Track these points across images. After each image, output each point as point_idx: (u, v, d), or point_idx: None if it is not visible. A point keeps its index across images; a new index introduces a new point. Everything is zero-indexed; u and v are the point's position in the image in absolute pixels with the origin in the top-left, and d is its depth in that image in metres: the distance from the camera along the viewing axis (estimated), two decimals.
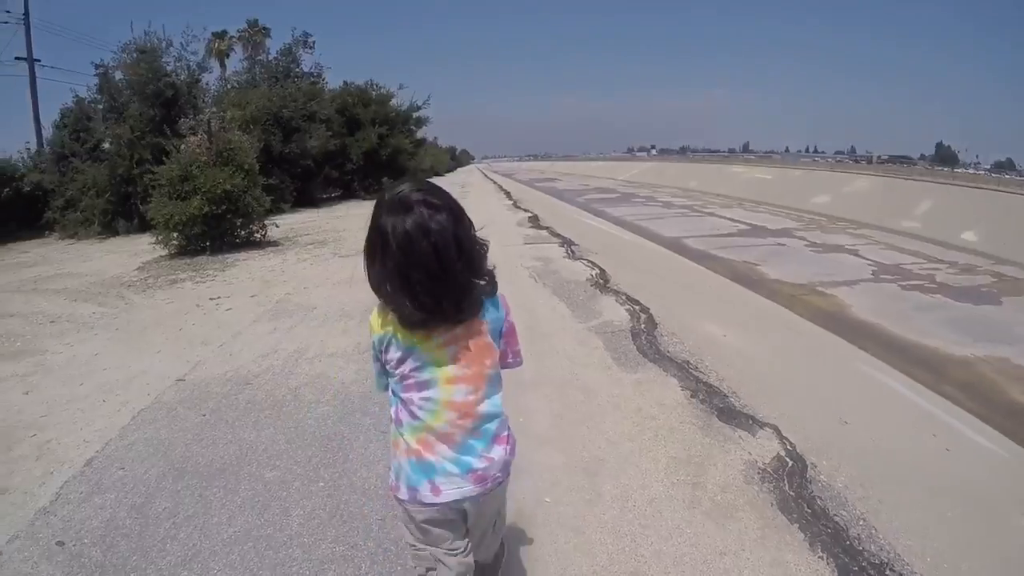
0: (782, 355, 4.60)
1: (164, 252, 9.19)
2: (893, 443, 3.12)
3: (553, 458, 2.89)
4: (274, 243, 10.21)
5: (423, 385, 1.42)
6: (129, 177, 12.79)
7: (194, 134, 9.74)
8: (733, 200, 18.91)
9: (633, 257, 8.70)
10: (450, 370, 1.42)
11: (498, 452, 1.50)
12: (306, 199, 17.62)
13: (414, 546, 1.56)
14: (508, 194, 20.79)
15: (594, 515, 2.43)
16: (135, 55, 13.69)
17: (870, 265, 8.99)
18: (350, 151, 19.33)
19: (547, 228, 10.83)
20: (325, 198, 19.78)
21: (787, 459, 2.78)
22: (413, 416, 1.44)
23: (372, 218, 1.39)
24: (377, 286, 1.41)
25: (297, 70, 20.47)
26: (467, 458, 1.44)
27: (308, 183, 17.65)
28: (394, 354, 1.44)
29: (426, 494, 1.43)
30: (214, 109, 10.81)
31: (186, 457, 2.99)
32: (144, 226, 11.44)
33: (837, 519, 2.37)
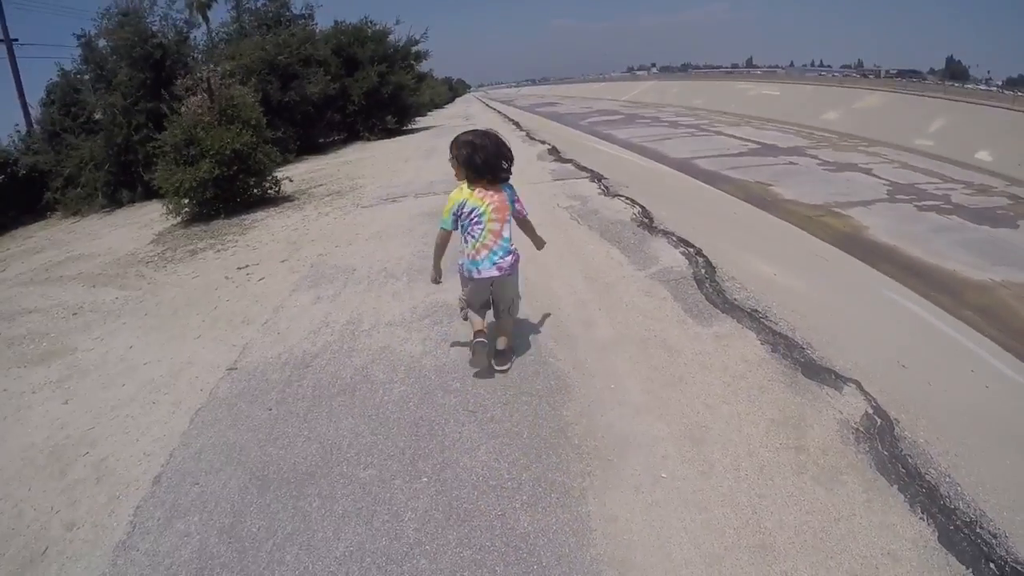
0: (828, 292, 4.46)
1: (176, 220, 8.75)
2: (944, 383, 3.14)
3: (656, 428, 2.73)
4: (289, 198, 9.72)
5: (477, 222, 2.98)
6: (128, 145, 12.31)
7: (193, 94, 9.17)
8: (740, 118, 18.37)
9: (662, 189, 8.22)
10: (490, 215, 2.97)
11: (509, 259, 3.07)
12: (310, 146, 17.19)
13: (464, 299, 3.25)
14: (517, 124, 19.83)
15: (712, 488, 2.34)
16: (117, 20, 12.90)
17: (885, 184, 8.80)
18: (351, 92, 18.63)
19: (570, 161, 10.20)
20: (329, 143, 19.30)
21: (875, 416, 2.73)
22: (472, 237, 3.02)
23: (458, 143, 2.99)
24: (466, 164, 2.96)
25: (288, 14, 19.77)
26: (495, 258, 3.02)
27: (311, 130, 17.19)
28: (466, 209, 2.98)
29: (475, 274, 3.04)
30: (211, 66, 10.11)
31: (264, 462, 2.71)
32: (149, 193, 11.07)
33: (928, 478, 2.35)
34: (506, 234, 3.02)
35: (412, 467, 2.55)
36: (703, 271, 4.54)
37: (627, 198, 7.01)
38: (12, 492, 2.84)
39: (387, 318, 4.21)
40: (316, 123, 17.66)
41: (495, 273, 3.01)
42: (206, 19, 26.19)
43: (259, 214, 8.69)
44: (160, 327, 4.77)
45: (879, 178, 9.28)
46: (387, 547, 2.13)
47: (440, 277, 3.26)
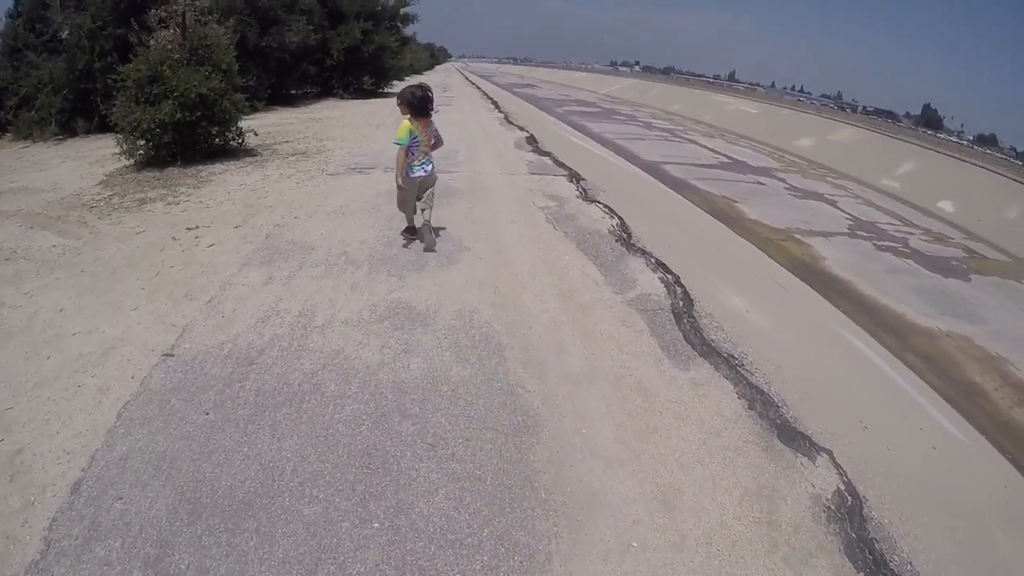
0: (794, 334, 4.72)
1: (129, 162, 8.17)
2: (900, 446, 3.35)
3: (629, 487, 2.63)
4: (252, 152, 9.23)
5: (416, 142, 4.82)
6: (89, 72, 11.53)
7: (165, 27, 8.53)
8: (715, 130, 18.78)
9: (636, 195, 8.35)
10: (424, 137, 4.87)
11: (430, 167, 5.00)
12: (281, 97, 16.48)
13: (401, 195, 5.11)
14: (496, 105, 19.39)
15: (683, 563, 2.27)
16: None
17: (847, 219, 9.25)
18: (331, 46, 18.13)
19: (548, 154, 9.94)
20: (301, 95, 18.59)
21: (846, 494, 2.74)
22: (413, 152, 4.84)
23: (406, 94, 4.82)
24: (410, 105, 4.76)
25: None
26: (426, 166, 4.96)
27: (284, 79, 16.53)
28: (412, 135, 4.75)
29: (411, 174, 4.88)
30: (186, 4, 9.45)
31: (197, 481, 2.45)
32: (105, 127, 10.30)
33: (892, 566, 2.39)
34: (430, 152, 4.98)
35: (363, 508, 2.34)
36: (681, 303, 4.43)
37: (605, 206, 6.81)
38: None
39: (343, 315, 3.93)
40: (291, 73, 16.99)
41: (423, 175, 4.91)
42: None
43: (217, 167, 8.12)
44: (95, 289, 4.31)
45: (842, 211, 9.67)
46: None
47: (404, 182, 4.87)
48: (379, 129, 12.18)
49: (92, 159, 9.16)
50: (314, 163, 8.58)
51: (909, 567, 2.39)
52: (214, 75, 8.20)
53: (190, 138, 8.14)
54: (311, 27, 16.97)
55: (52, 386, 3.12)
